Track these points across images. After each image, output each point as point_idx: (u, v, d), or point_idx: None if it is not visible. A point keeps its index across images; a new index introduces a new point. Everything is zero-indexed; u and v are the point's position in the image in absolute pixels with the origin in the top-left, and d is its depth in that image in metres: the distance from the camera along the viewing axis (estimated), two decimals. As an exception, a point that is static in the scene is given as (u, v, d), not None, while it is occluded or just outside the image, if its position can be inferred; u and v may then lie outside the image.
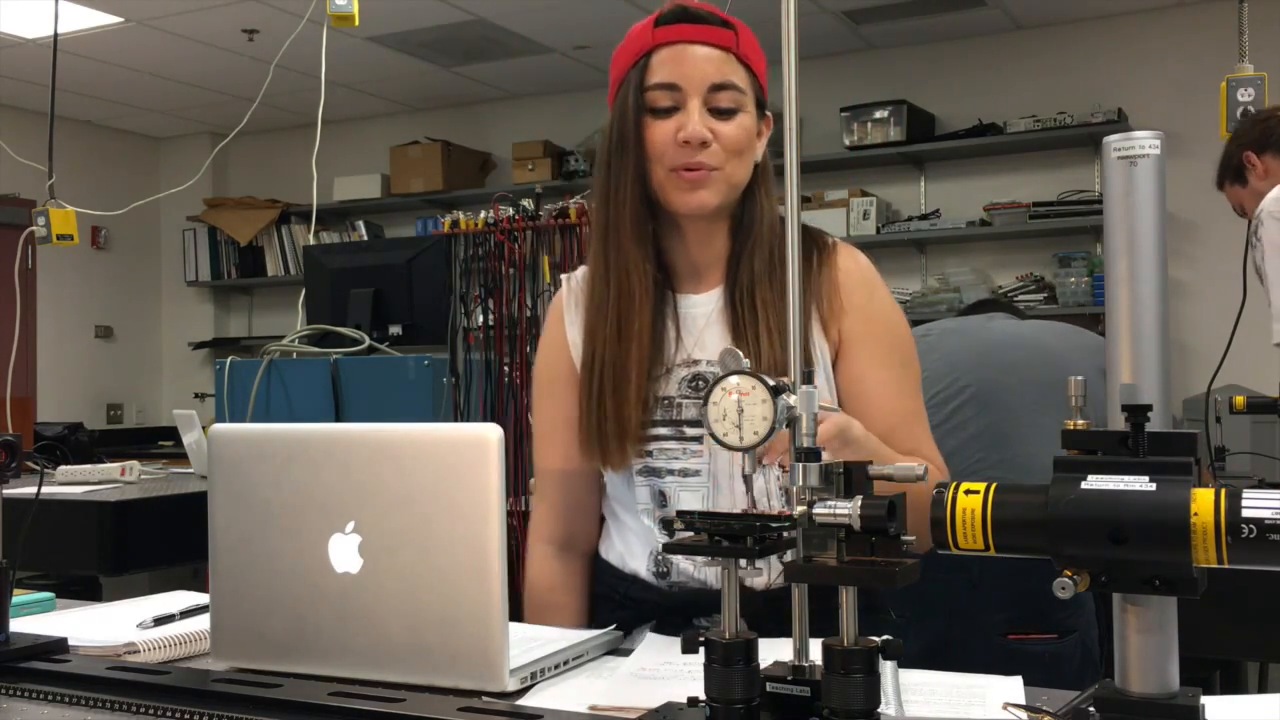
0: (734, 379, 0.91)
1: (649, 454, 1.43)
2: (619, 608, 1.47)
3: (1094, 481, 0.78)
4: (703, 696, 0.93)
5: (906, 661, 1.11)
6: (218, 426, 1.24)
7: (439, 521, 1.10)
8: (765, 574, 1.39)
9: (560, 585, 1.53)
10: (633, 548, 1.47)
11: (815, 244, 1.45)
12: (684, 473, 1.42)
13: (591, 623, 1.51)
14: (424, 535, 1.11)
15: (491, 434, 1.09)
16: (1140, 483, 0.76)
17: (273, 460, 1.18)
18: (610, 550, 1.51)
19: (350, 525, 1.13)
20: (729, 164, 1.39)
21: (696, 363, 1.44)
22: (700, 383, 1.43)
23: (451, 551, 1.10)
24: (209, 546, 1.21)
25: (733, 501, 1.40)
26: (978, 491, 0.81)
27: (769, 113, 1.46)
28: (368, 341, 3.17)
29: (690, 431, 1.42)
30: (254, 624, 1.19)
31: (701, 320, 1.45)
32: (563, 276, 1.57)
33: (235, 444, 1.22)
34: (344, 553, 1.14)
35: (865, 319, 1.43)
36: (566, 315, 1.52)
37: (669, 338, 1.44)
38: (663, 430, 1.43)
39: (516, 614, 1.71)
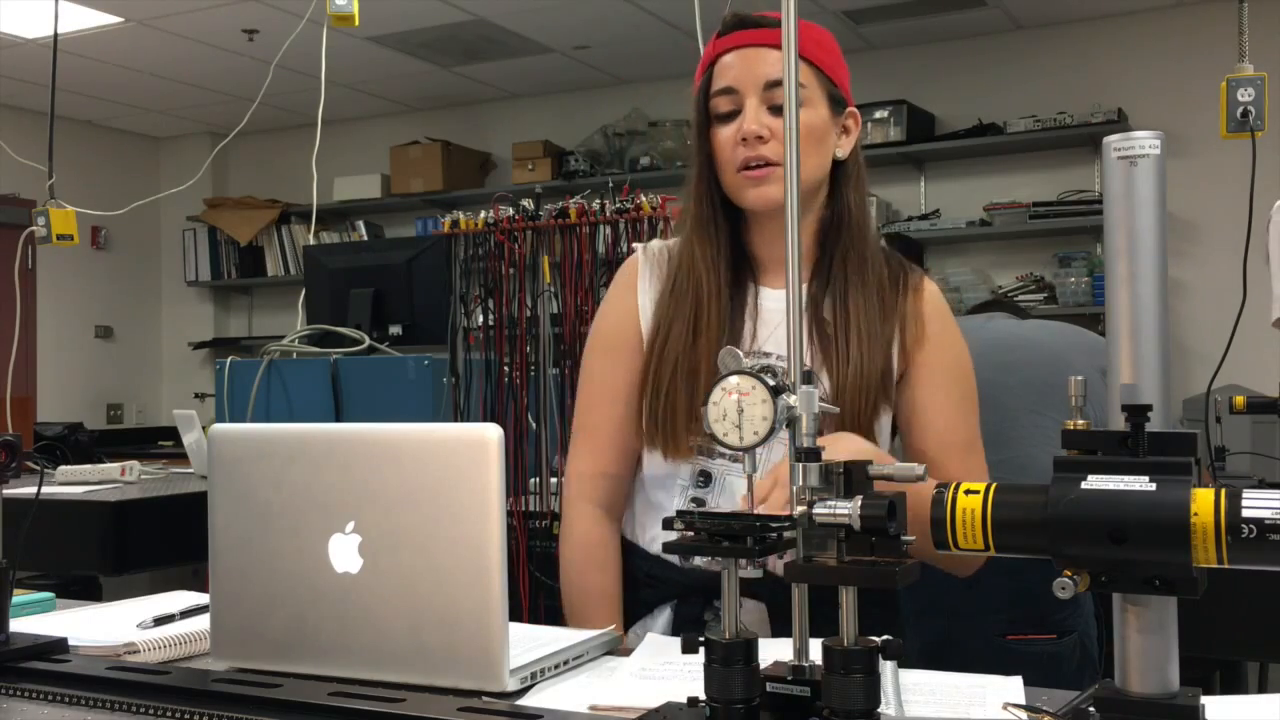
0: (734, 379, 0.91)
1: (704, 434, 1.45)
2: (642, 586, 1.50)
3: (1094, 481, 0.78)
4: (703, 696, 0.93)
5: (904, 661, 1.11)
6: (217, 426, 1.24)
7: (439, 521, 1.10)
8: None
9: (606, 543, 1.53)
10: (657, 527, 1.49)
11: (904, 270, 1.50)
12: (734, 458, 1.43)
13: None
14: (424, 535, 1.11)
15: (491, 434, 1.09)
16: (1140, 483, 0.76)
17: (273, 460, 1.18)
18: (635, 529, 1.54)
19: (350, 525, 1.13)
20: None
21: (767, 355, 1.46)
22: (767, 373, 1.45)
23: (451, 551, 1.10)
24: (209, 546, 1.21)
25: None
26: (978, 491, 0.81)
27: (854, 110, 1.50)
28: (368, 341, 3.16)
29: None
30: (254, 624, 1.19)
31: (779, 314, 1.47)
32: (637, 246, 1.61)
33: (235, 444, 1.22)
34: (344, 553, 1.14)
35: (938, 348, 1.47)
36: (640, 283, 1.54)
37: (745, 329, 1.48)
38: None
39: (516, 614, 1.71)
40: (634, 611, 1.51)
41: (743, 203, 1.46)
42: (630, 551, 1.53)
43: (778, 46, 1.43)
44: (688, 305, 1.47)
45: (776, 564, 1.15)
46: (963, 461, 1.46)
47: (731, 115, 1.44)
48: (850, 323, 1.43)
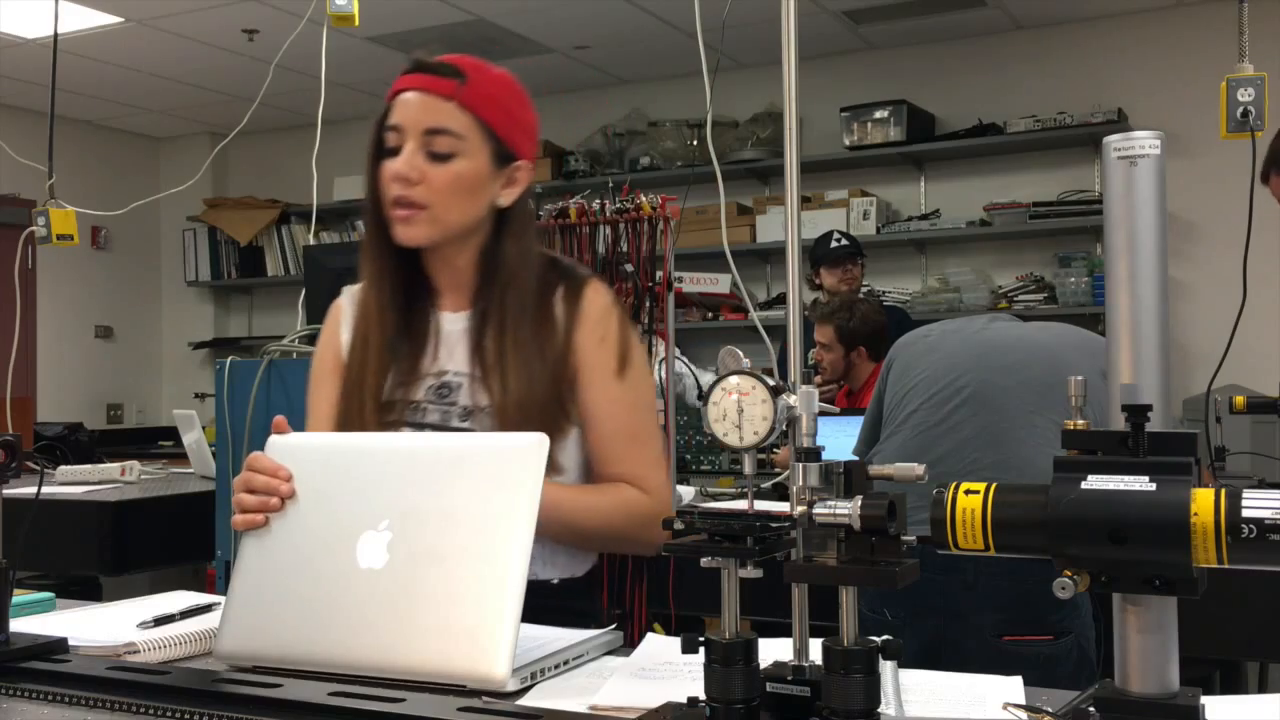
0: (734, 379, 0.91)
1: None
2: None
3: (1094, 481, 0.78)
4: (703, 696, 0.93)
5: (901, 662, 1.11)
6: (276, 438, 1.28)
7: (471, 524, 1.14)
8: (558, 568, 1.50)
9: None
10: None
11: (566, 279, 1.54)
12: None
13: None
14: (456, 538, 1.14)
15: (537, 442, 1.15)
16: (1140, 483, 0.76)
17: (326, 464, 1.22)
18: None
19: (384, 523, 1.17)
20: (439, 205, 1.47)
21: (444, 373, 1.53)
22: (445, 390, 1.53)
23: (480, 554, 1.13)
24: (232, 545, 1.22)
25: None
26: (978, 491, 0.81)
27: (523, 163, 1.53)
28: (368, 341, 3.16)
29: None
30: (258, 624, 1.19)
31: (456, 335, 1.54)
32: (345, 289, 1.67)
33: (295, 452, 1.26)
34: (371, 549, 1.16)
35: (592, 347, 1.51)
36: (344, 320, 1.62)
37: (427, 349, 1.55)
38: (407, 432, 1.51)
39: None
40: None
41: (393, 237, 1.50)
42: None
43: (447, 97, 1.45)
44: (360, 328, 1.55)
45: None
46: (625, 450, 1.50)
47: (395, 151, 1.48)
48: (507, 359, 1.47)
